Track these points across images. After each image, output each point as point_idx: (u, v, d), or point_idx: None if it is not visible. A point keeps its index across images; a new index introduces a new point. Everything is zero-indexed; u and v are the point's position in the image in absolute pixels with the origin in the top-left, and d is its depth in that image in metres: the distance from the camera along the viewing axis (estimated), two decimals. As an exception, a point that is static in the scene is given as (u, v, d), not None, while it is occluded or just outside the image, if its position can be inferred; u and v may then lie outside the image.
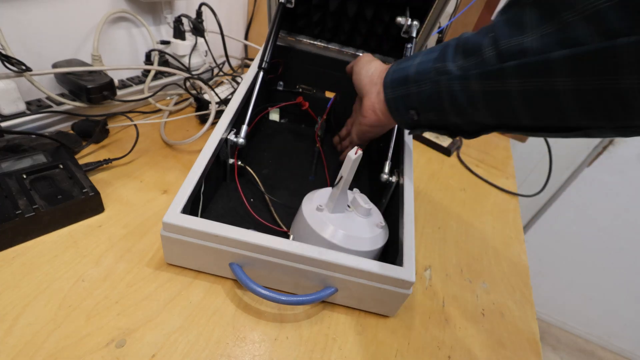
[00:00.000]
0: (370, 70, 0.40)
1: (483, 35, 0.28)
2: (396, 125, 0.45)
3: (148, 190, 0.44)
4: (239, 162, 0.44)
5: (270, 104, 0.58)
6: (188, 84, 0.62)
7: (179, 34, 0.66)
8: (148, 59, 0.65)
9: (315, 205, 0.37)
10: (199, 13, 0.65)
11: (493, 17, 0.28)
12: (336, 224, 0.35)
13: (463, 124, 0.33)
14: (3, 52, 0.43)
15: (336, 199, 0.36)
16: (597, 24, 0.21)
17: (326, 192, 0.40)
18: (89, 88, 0.48)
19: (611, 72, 0.21)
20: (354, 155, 0.33)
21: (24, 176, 0.37)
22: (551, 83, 0.24)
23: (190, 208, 0.34)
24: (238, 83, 0.69)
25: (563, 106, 0.25)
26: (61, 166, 0.40)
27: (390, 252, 0.38)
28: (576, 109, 0.24)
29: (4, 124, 0.43)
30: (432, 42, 0.77)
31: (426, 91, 0.32)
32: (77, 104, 0.49)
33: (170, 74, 0.65)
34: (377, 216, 0.39)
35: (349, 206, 0.39)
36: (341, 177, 0.35)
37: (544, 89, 0.25)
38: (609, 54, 0.20)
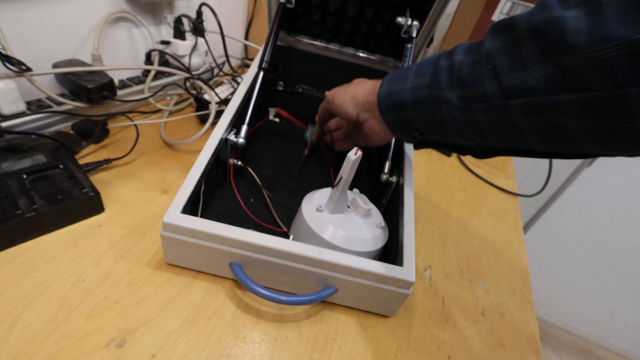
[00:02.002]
0: (347, 99, 0.39)
1: (478, 63, 0.26)
2: None
3: (148, 190, 0.44)
4: (239, 162, 0.44)
5: (268, 114, 0.59)
6: (188, 84, 0.62)
7: (179, 34, 0.66)
8: (148, 59, 0.65)
9: (315, 205, 0.37)
10: (199, 13, 0.65)
11: (485, 34, 0.27)
12: (336, 224, 0.36)
13: (471, 146, 0.32)
14: (3, 52, 0.43)
15: (336, 199, 0.36)
16: (604, 72, 0.20)
17: (326, 192, 0.40)
18: (89, 88, 0.48)
19: (626, 116, 0.20)
20: (353, 156, 0.33)
21: (24, 176, 0.37)
22: (562, 121, 0.23)
23: (190, 208, 0.34)
24: (238, 83, 0.69)
25: (577, 140, 0.23)
26: (61, 166, 0.40)
27: (390, 252, 0.38)
28: (591, 143, 0.23)
29: (4, 124, 0.43)
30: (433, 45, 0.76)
31: (427, 116, 0.31)
32: (77, 104, 0.50)
33: (170, 74, 0.65)
34: (376, 216, 0.39)
35: (348, 206, 0.39)
36: (341, 178, 0.35)
37: (555, 125, 0.23)
38: (622, 102, 0.20)
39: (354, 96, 0.39)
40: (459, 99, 0.28)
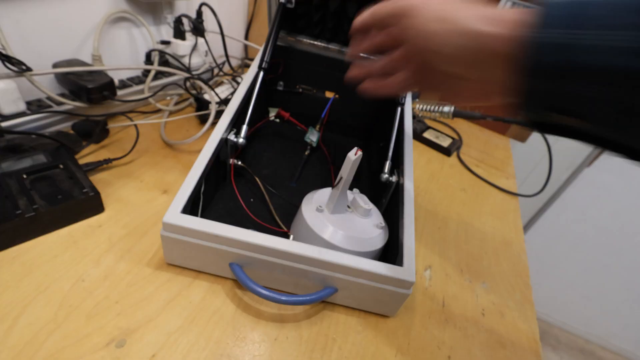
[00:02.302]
0: (455, 32, 0.20)
1: None
2: (397, 122, 0.40)
3: (148, 190, 0.44)
4: (239, 162, 0.44)
5: (268, 115, 0.59)
6: (188, 84, 0.62)
7: (179, 34, 0.66)
8: (148, 59, 0.65)
9: (315, 205, 0.37)
10: (199, 13, 0.65)
11: None
12: (336, 224, 0.36)
13: None
14: (3, 52, 0.43)
15: (336, 199, 0.36)
16: None
17: (326, 192, 0.40)
18: (89, 88, 0.48)
19: None
20: (353, 156, 0.33)
21: (24, 176, 0.37)
22: None
23: (190, 208, 0.34)
24: (238, 83, 0.69)
25: None
26: (61, 166, 0.40)
27: (390, 252, 0.38)
28: None
29: (4, 124, 0.43)
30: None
31: (622, 100, 0.17)
32: (77, 104, 0.50)
33: (170, 74, 0.65)
34: (376, 217, 0.39)
35: (348, 207, 0.39)
36: (341, 178, 0.35)
37: None
38: None
39: (469, 31, 0.20)
40: None
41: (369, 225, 0.37)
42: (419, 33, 0.21)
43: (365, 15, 0.25)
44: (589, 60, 0.17)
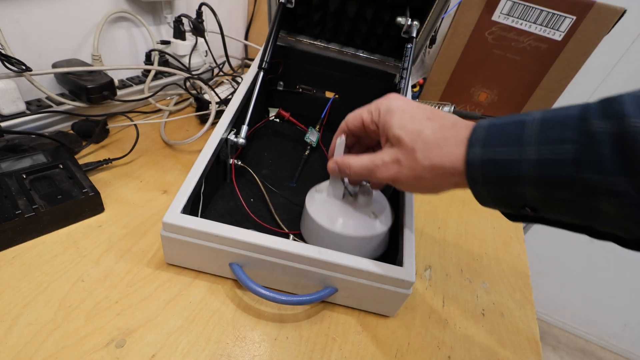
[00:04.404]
0: (426, 178, 0.26)
1: None
2: None
3: (148, 190, 0.44)
4: (239, 162, 0.44)
5: (268, 115, 0.59)
6: (188, 84, 0.62)
7: (179, 34, 0.66)
8: (148, 59, 0.65)
9: (317, 194, 0.38)
10: (199, 13, 0.65)
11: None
12: (334, 209, 0.36)
13: (628, 236, 0.21)
14: (3, 52, 0.43)
15: (331, 185, 0.37)
16: None
17: (325, 183, 0.40)
18: (89, 88, 0.48)
19: None
20: (340, 140, 0.34)
21: (24, 176, 0.37)
22: None
23: (190, 208, 0.34)
24: (238, 83, 0.69)
25: None
26: (61, 166, 0.40)
27: (390, 252, 0.38)
28: None
29: (4, 124, 0.43)
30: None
31: (564, 199, 0.20)
32: (77, 104, 0.49)
33: (170, 74, 0.65)
34: (379, 205, 0.38)
35: (350, 194, 0.38)
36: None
37: None
38: None
39: (440, 184, 0.26)
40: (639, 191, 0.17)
41: (368, 213, 0.36)
42: (406, 189, 0.29)
43: (351, 173, 0.32)
44: (528, 171, 0.21)
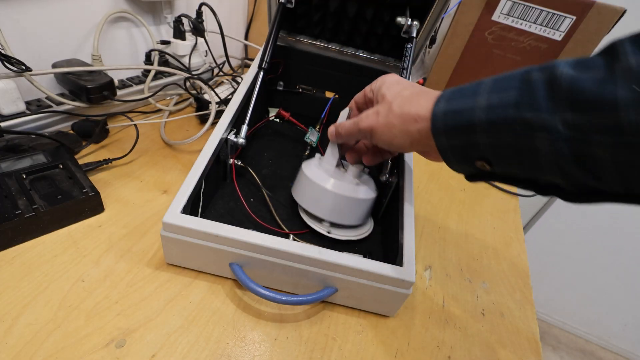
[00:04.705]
0: (397, 134, 0.30)
1: (610, 82, 0.19)
2: None
3: (148, 190, 0.44)
4: (239, 162, 0.44)
5: (268, 115, 0.60)
6: (188, 84, 0.62)
7: (179, 34, 0.66)
8: (148, 59, 0.65)
9: (312, 159, 0.42)
10: (199, 13, 0.65)
11: (606, 40, 0.22)
12: (325, 171, 0.39)
13: (566, 186, 0.24)
14: (3, 52, 0.43)
15: (327, 153, 0.40)
16: None
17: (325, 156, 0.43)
18: (89, 88, 0.48)
19: None
20: (344, 111, 0.40)
21: (24, 176, 0.37)
22: None
23: (190, 208, 0.34)
24: (238, 83, 0.69)
25: None
26: (61, 166, 0.40)
27: (390, 252, 0.38)
28: None
29: (4, 124, 0.43)
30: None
31: (509, 145, 0.24)
32: (77, 104, 0.49)
33: (170, 74, 0.65)
34: (366, 180, 0.42)
35: (343, 167, 0.42)
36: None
37: None
38: None
39: (407, 131, 0.29)
40: (567, 127, 0.21)
41: (354, 181, 0.40)
42: (382, 142, 0.32)
43: (342, 132, 0.37)
44: (479, 116, 0.24)
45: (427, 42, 0.53)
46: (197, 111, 0.61)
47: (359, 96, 0.38)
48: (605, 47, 0.21)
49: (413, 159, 0.45)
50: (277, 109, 0.60)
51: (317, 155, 0.43)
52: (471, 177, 0.29)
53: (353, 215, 0.40)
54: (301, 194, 0.41)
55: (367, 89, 0.37)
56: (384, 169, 0.43)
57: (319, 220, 0.41)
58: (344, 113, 0.40)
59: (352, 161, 0.41)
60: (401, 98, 0.30)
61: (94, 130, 0.48)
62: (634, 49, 0.19)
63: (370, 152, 0.40)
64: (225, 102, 0.59)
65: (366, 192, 0.40)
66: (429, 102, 0.28)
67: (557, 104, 0.21)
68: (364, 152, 0.40)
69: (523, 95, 0.22)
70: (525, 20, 0.65)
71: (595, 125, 0.20)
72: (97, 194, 0.38)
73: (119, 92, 0.55)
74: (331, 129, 0.39)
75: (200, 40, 0.68)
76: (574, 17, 0.62)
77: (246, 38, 0.92)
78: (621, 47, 0.20)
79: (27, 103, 0.47)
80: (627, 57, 0.19)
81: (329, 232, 0.40)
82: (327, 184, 0.38)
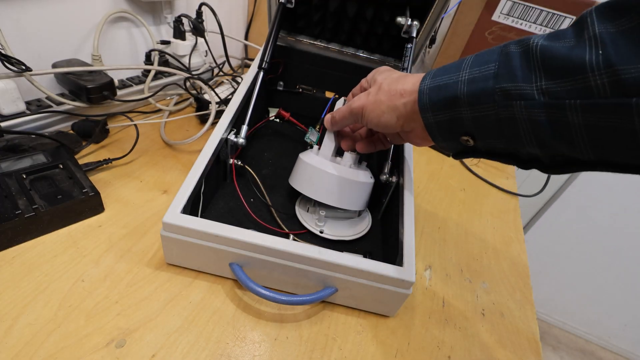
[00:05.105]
0: (385, 111, 0.32)
1: (578, 47, 0.21)
2: None
3: (148, 190, 0.44)
4: (239, 162, 0.44)
5: (268, 115, 0.60)
6: (188, 84, 0.62)
7: (179, 34, 0.66)
8: (148, 59, 0.65)
9: (309, 149, 0.44)
10: (199, 13, 0.65)
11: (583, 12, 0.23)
12: (322, 158, 0.41)
13: (544, 156, 0.25)
14: (3, 52, 0.43)
15: (324, 141, 0.42)
16: None
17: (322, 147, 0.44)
18: (89, 88, 0.48)
19: None
20: (339, 100, 0.44)
21: (24, 176, 0.37)
22: None
23: (190, 208, 0.34)
24: (238, 83, 0.69)
25: None
26: (61, 166, 0.40)
27: (390, 252, 0.38)
28: None
29: (4, 124, 0.43)
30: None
31: (490, 116, 0.25)
32: (77, 104, 0.49)
33: (170, 74, 0.65)
34: (362, 168, 0.43)
35: (340, 155, 0.43)
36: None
37: None
38: None
39: (394, 106, 0.31)
40: (541, 93, 0.22)
41: (349, 166, 0.41)
42: (371, 121, 0.33)
43: (337, 117, 0.38)
44: (461, 90, 0.25)
45: (427, 42, 0.53)
46: (197, 111, 0.61)
47: (356, 88, 0.40)
48: (575, 20, 0.23)
49: (413, 159, 0.45)
50: (277, 109, 0.60)
51: (315, 146, 0.44)
52: (457, 155, 0.30)
53: (352, 198, 0.41)
54: (299, 180, 0.42)
55: (363, 80, 0.38)
56: (384, 169, 0.43)
57: (315, 219, 0.41)
58: (339, 103, 0.44)
59: (347, 148, 0.41)
60: (390, 79, 0.32)
61: (94, 130, 0.48)
62: (599, 18, 0.21)
63: (364, 140, 0.41)
64: (225, 102, 0.59)
65: (364, 177, 0.41)
66: (415, 79, 0.30)
67: (532, 72, 0.22)
68: (357, 139, 0.41)
69: (501, 66, 0.24)
70: (525, 20, 0.65)
71: (568, 90, 0.21)
72: (97, 194, 0.38)
73: (119, 92, 0.55)
74: (327, 117, 0.40)
75: (200, 40, 0.68)
76: (574, 17, 0.62)
77: (246, 38, 0.92)
78: (589, 16, 0.21)
79: (27, 103, 0.47)
80: (594, 25, 0.20)
81: (321, 232, 0.40)
82: (326, 168, 0.39)
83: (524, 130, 0.24)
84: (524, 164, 0.27)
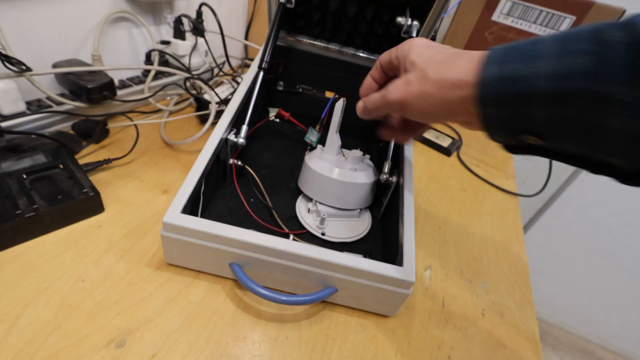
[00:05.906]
0: (436, 105, 0.26)
1: None
2: None
3: (148, 190, 0.44)
4: (239, 162, 0.44)
5: (268, 115, 0.60)
6: (188, 84, 0.62)
7: (179, 34, 0.66)
8: (148, 59, 0.65)
9: (315, 150, 0.45)
10: (199, 13, 0.65)
11: None
12: (326, 161, 0.43)
13: (628, 166, 0.20)
14: (3, 52, 0.43)
15: (330, 141, 0.43)
16: None
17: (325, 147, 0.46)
18: (89, 88, 0.48)
19: None
20: (339, 103, 0.44)
21: (24, 176, 0.37)
22: None
23: (190, 208, 0.34)
24: (238, 83, 0.69)
25: None
26: (61, 166, 0.40)
27: (390, 252, 0.38)
28: None
29: (4, 124, 0.43)
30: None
31: (571, 119, 0.20)
32: (77, 104, 0.50)
33: (170, 74, 0.65)
34: (365, 166, 0.44)
35: (343, 155, 0.45)
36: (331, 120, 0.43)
37: None
38: None
39: (446, 100, 0.25)
40: None
41: (353, 167, 0.43)
42: (416, 115, 0.29)
43: (369, 107, 0.33)
44: (540, 86, 0.20)
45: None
46: (197, 111, 0.61)
47: (384, 59, 0.33)
48: None
49: (413, 159, 0.45)
50: (277, 109, 0.60)
51: (319, 146, 0.46)
52: (510, 148, 0.25)
53: (355, 199, 0.43)
54: (304, 183, 0.44)
55: (393, 54, 0.31)
56: (384, 169, 0.43)
57: (316, 221, 0.42)
58: (339, 103, 0.44)
59: (387, 138, 0.37)
60: (435, 62, 0.26)
61: (94, 130, 0.48)
62: None
63: (404, 131, 0.36)
64: (225, 102, 0.59)
65: (367, 177, 0.43)
66: (471, 64, 0.24)
67: (634, 73, 0.17)
68: (397, 129, 0.36)
69: (597, 60, 0.18)
70: (525, 20, 0.65)
71: None
72: (97, 194, 0.38)
73: (119, 92, 0.55)
74: (359, 104, 0.34)
75: (200, 40, 0.68)
76: (574, 17, 0.62)
77: (246, 38, 0.92)
78: None
79: (28, 103, 0.47)
80: None
81: (322, 234, 0.40)
82: (330, 173, 0.41)
83: (613, 139, 0.19)
84: (596, 169, 0.23)
